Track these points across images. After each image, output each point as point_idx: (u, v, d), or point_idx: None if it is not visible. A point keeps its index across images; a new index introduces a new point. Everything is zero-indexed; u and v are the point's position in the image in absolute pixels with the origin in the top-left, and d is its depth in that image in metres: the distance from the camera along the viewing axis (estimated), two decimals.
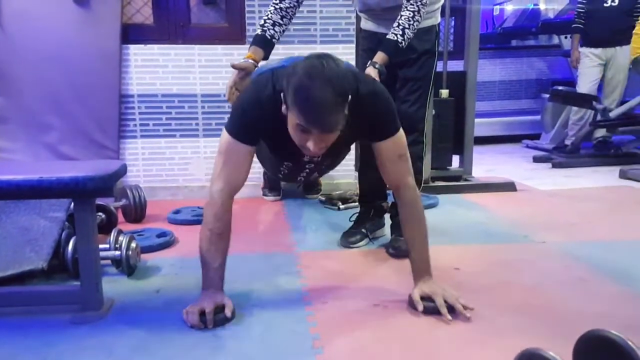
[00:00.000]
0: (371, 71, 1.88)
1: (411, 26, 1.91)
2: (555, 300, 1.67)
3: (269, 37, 1.94)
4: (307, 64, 1.36)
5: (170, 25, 3.02)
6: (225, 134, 1.56)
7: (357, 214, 2.34)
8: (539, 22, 6.15)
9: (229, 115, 1.62)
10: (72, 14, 2.87)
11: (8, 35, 2.84)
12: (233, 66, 1.89)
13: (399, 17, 1.92)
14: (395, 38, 1.90)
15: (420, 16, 1.92)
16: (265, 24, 1.95)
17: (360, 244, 2.21)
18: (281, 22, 1.96)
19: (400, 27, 1.90)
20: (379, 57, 1.92)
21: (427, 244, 1.65)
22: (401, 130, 1.62)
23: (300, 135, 1.40)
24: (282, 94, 1.42)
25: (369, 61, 1.93)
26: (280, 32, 1.97)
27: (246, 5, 3.00)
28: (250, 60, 1.90)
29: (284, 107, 1.42)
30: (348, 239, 2.22)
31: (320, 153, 1.46)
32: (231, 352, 1.37)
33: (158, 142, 3.10)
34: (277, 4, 1.96)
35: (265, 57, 1.96)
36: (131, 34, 2.99)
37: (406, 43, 1.92)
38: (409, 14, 1.90)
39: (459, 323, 1.50)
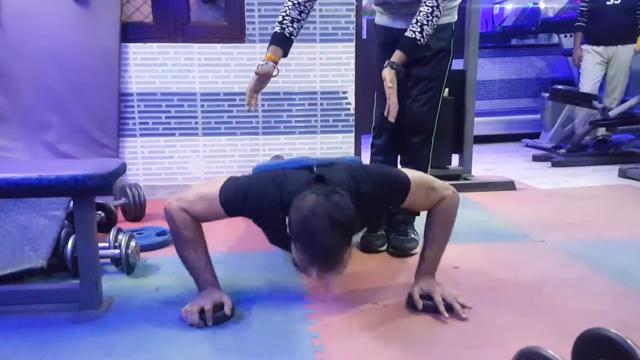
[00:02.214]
0: (387, 72, 1.82)
1: (430, 22, 1.82)
2: (554, 299, 1.67)
3: (287, 35, 1.90)
4: (312, 201, 1.34)
5: (169, 23, 3.02)
6: (217, 189, 1.52)
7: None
8: (538, 21, 6.14)
9: (229, 181, 1.56)
10: (72, 12, 2.86)
11: (7, 34, 2.84)
12: (257, 73, 1.87)
13: (418, 13, 1.84)
14: (414, 36, 1.82)
15: (440, 11, 1.83)
16: (284, 21, 1.90)
17: (384, 247, 2.16)
18: (299, 17, 1.91)
19: (419, 23, 1.82)
20: (397, 56, 1.84)
21: (444, 248, 1.65)
22: (412, 176, 1.58)
23: (304, 267, 1.37)
24: (287, 220, 1.40)
25: (387, 61, 1.86)
26: (298, 28, 1.93)
27: (246, 4, 3.00)
28: (271, 63, 1.88)
29: (288, 230, 1.39)
30: (373, 242, 2.14)
31: (326, 284, 1.48)
32: (231, 350, 1.37)
33: (157, 140, 3.09)
34: (294, 0, 1.91)
35: (284, 55, 1.93)
36: (130, 32, 2.99)
37: (425, 40, 1.84)
38: (428, 9, 1.81)
39: (458, 322, 1.50)
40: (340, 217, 1.32)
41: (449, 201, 1.62)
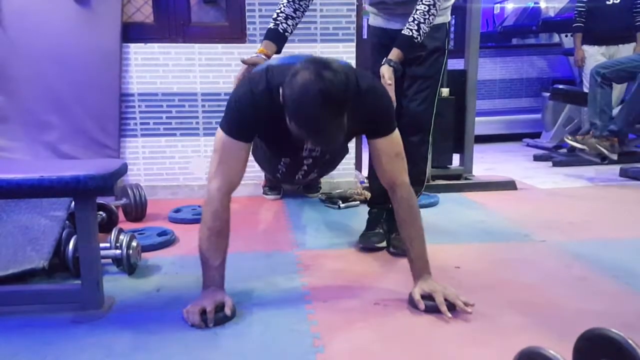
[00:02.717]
0: (385, 70, 1.84)
1: (427, 20, 1.85)
2: (555, 299, 1.67)
3: (281, 31, 1.93)
4: (305, 78, 1.32)
5: (170, 24, 3.02)
6: (219, 131, 1.55)
7: (372, 215, 2.29)
8: (539, 21, 6.14)
9: (222, 118, 1.59)
10: (73, 13, 2.87)
11: (8, 34, 2.84)
12: (243, 61, 1.88)
13: (414, 11, 1.86)
14: (411, 33, 1.85)
15: (436, 10, 1.86)
16: (278, 18, 1.94)
17: (382, 243, 2.17)
18: (294, 15, 1.95)
19: (416, 21, 1.84)
20: (394, 54, 1.87)
21: (424, 242, 1.65)
22: (397, 130, 1.63)
23: (302, 139, 1.40)
24: (280, 95, 1.40)
25: (384, 59, 1.88)
26: (292, 25, 1.95)
27: (246, 4, 3.00)
28: (262, 55, 1.90)
29: (282, 101, 1.40)
30: (371, 238, 2.16)
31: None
32: (231, 351, 1.37)
33: (158, 140, 3.10)
34: None
35: (278, 51, 1.95)
36: (131, 32, 2.99)
37: (422, 38, 1.87)
38: (425, 7, 1.84)
39: (460, 322, 1.50)
40: (333, 93, 1.31)
41: (408, 190, 1.64)
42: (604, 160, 3.53)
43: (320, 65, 1.34)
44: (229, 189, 1.56)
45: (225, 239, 1.57)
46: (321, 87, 1.29)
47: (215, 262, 1.55)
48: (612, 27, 4.33)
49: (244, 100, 1.53)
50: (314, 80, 1.30)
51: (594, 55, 4.46)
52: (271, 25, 1.95)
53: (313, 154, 1.75)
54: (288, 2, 1.95)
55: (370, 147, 1.65)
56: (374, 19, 2.19)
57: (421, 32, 1.85)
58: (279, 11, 1.95)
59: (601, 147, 3.43)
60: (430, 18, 1.86)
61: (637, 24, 4.26)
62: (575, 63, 4.74)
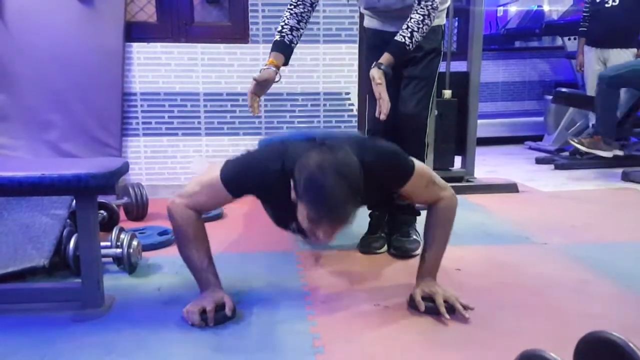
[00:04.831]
0: (375, 72, 1.86)
1: (420, 29, 1.88)
2: (556, 302, 1.67)
3: (287, 42, 1.97)
4: (318, 157, 1.35)
5: (173, 23, 3.03)
6: (217, 173, 1.52)
7: (374, 218, 2.28)
8: (542, 24, 6.13)
9: (228, 161, 1.56)
10: (75, 12, 2.87)
11: (11, 33, 2.84)
12: (255, 80, 1.89)
13: (409, 19, 1.89)
14: (403, 40, 1.87)
15: (431, 20, 1.89)
16: (283, 30, 1.97)
17: (383, 249, 2.17)
18: (298, 26, 1.98)
19: (409, 29, 1.87)
20: (385, 58, 1.89)
21: (444, 249, 1.64)
22: (417, 164, 1.59)
23: (310, 225, 1.37)
24: (292, 182, 1.39)
25: (374, 62, 1.91)
26: (298, 36, 1.99)
27: (249, 5, 3.00)
28: (272, 68, 1.92)
29: (293, 194, 1.39)
30: (372, 244, 2.16)
31: (330, 241, 1.44)
32: (231, 350, 1.37)
33: (160, 140, 3.10)
34: (292, 9, 1.98)
35: (286, 63, 1.98)
36: (134, 32, 3.00)
37: (413, 46, 1.90)
38: (419, 17, 1.87)
39: (460, 324, 1.50)
40: (347, 170, 1.34)
41: (447, 202, 1.62)
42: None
43: (334, 146, 1.40)
44: (196, 212, 1.55)
45: (204, 241, 1.56)
46: (337, 166, 1.33)
47: (202, 264, 1.55)
48: (607, 29, 4.31)
49: (255, 173, 1.52)
50: (329, 159, 1.34)
51: (591, 61, 4.46)
52: (277, 37, 1.97)
53: None
54: (291, 14, 1.98)
55: (403, 194, 1.63)
56: (369, 21, 2.22)
57: (414, 40, 1.88)
58: (283, 23, 1.98)
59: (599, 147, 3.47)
60: (424, 28, 1.89)
61: None
62: (577, 67, 4.75)
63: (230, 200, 1.55)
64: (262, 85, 1.92)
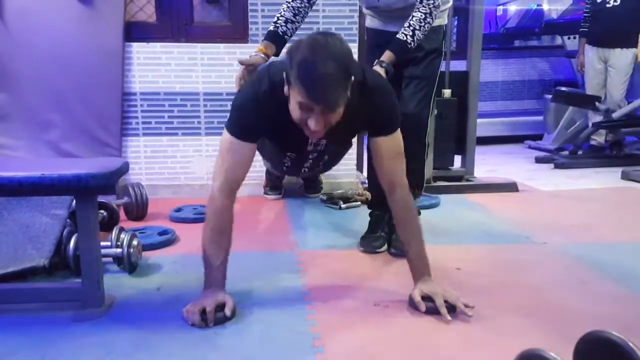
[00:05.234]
0: (378, 70, 1.88)
1: (422, 28, 1.89)
2: (556, 301, 1.67)
3: (280, 34, 1.97)
4: (311, 40, 1.39)
5: (173, 23, 3.03)
6: (225, 132, 1.58)
7: (374, 218, 2.29)
8: (542, 23, 6.13)
9: (227, 120, 1.61)
10: (75, 12, 2.87)
11: (11, 33, 2.84)
12: (241, 62, 1.91)
13: (410, 17, 1.90)
14: (405, 38, 1.89)
15: (432, 18, 1.91)
16: (278, 21, 1.98)
17: (383, 248, 2.18)
18: (294, 19, 1.99)
19: (411, 27, 1.89)
20: (387, 55, 1.91)
21: (422, 243, 1.65)
22: (399, 131, 1.64)
23: (301, 113, 1.41)
24: (284, 73, 1.43)
25: (376, 60, 1.92)
26: (292, 29, 2.00)
27: (249, 4, 3.00)
28: (261, 54, 1.93)
29: (286, 88, 1.43)
30: (372, 243, 2.16)
31: (322, 133, 1.45)
32: (231, 350, 1.37)
33: (160, 140, 3.10)
34: (289, 2, 1.99)
35: (277, 53, 1.98)
36: (134, 31, 2.99)
37: (415, 44, 1.91)
38: (421, 15, 1.89)
39: (460, 323, 1.50)
40: (338, 54, 1.36)
41: (406, 191, 1.65)
42: None
43: (330, 33, 1.43)
44: (231, 189, 1.58)
45: (228, 238, 1.58)
46: (329, 47, 1.36)
47: (216, 261, 1.55)
48: (608, 29, 4.32)
49: (249, 103, 1.55)
50: (321, 41, 1.37)
51: (592, 60, 4.46)
52: (271, 27, 1.99)
53: (318, 148, 1.77)
54: (288, 6, 1.99)
55: (372, 145, 1.65)
56: (371, 21, 2.23)
57: (415, 38, 1.89)
58: (279, 15, 1.99)
59: None
60: (426, 26, 1.90)
61: None
62: (577, 67, 4.75)
63: (252, 151, 1.58)
64: (250, 72, 1.91)
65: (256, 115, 1.54)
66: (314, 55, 1.34)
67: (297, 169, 2.03)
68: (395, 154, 1.64)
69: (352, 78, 1.42)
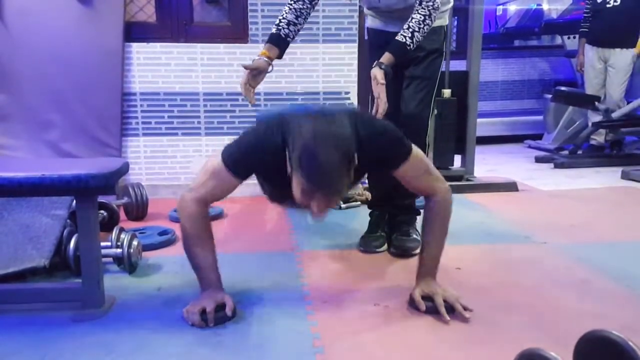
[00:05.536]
0: (377, 72, 1.87)
1: (421, 29, 1.88)
2: (556, 301, 1.67)
3: (283, 36, 1.97)
4: (312, 123, 1.37)
5: (173, 23, 3.03)
6: (219, 158, 1.52)
7: (374, 218, 2.28)
8: (542, 22, 6.13)
9: (229, 143, 1.56)
10: (75, 12, 2.87)
11: (10, 33, 2.84)
12: (245, 67, 1.90)
13: (410, 19, 1.89)
14: (404, 40, 1.87)
15: (432, 20, 1.90)
16: (280, 23, 1.98)
17: (383, 248, 2.17)
18: (296, 21, 1.99)
19: (410, 29, 1.87)
20: (386, 57, 1.90)
21: (442, 247, 1.64)
22: (415, 149, 1.58)
23: (304, 197, 1.38)
24: (287, 155, 1.41)
25: (375, 61, 1.92)
26: (295, 31, 2.00)
27: (249, 4, 3.00)
28: (264, 58, 1.92)
29: (289, 167, 1.40)
30: (372, 243, 2.16)
31: (324, 215, 1.43)
32: (231, 350, 1.37)
33: (160, 140, 3.10)
34: (291, 4, 1.99)
35: (280, 56, 1.98)
36: (134, 32, 3.00)
37: (414, 46, 1.90)
38: (420, 17, 1.87)
39: (460, 323, 1.50)
40: (340, 142, 1.35)
41: (443, 196, 1.61)
42: None
43: (328, 114, 1.42)
44: (206, 203, 1.56)
45: (209, 240, 1.56)
46: (330, 136, 1.35)
47: (205, 264, 1.55)
48: (609, 29, 4.32)
49: (256, 148, 1.51)
50: (323, 130, 1.36)
51: (592, 60, 4.46)
52: (273, 30, 1.98)
53: None
54: (290, 8, 1.99)
55: (396, 176, 1.61)
56: (372, 21, 2.22)
57: (414, 40, 1.88)
58: (281, 17, 1.99)
59: None
60: (425, 28, 1.89)
61: None
62: (577, 67, 4.76)
63: (237, 184, 1.55)
64: (254, 76, 1.92)
65: (258, 163, 1.53)
66: (315, 143, 1.32)
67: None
68: (422, 171, 1.59)
69: (355, 161, 1.39)
